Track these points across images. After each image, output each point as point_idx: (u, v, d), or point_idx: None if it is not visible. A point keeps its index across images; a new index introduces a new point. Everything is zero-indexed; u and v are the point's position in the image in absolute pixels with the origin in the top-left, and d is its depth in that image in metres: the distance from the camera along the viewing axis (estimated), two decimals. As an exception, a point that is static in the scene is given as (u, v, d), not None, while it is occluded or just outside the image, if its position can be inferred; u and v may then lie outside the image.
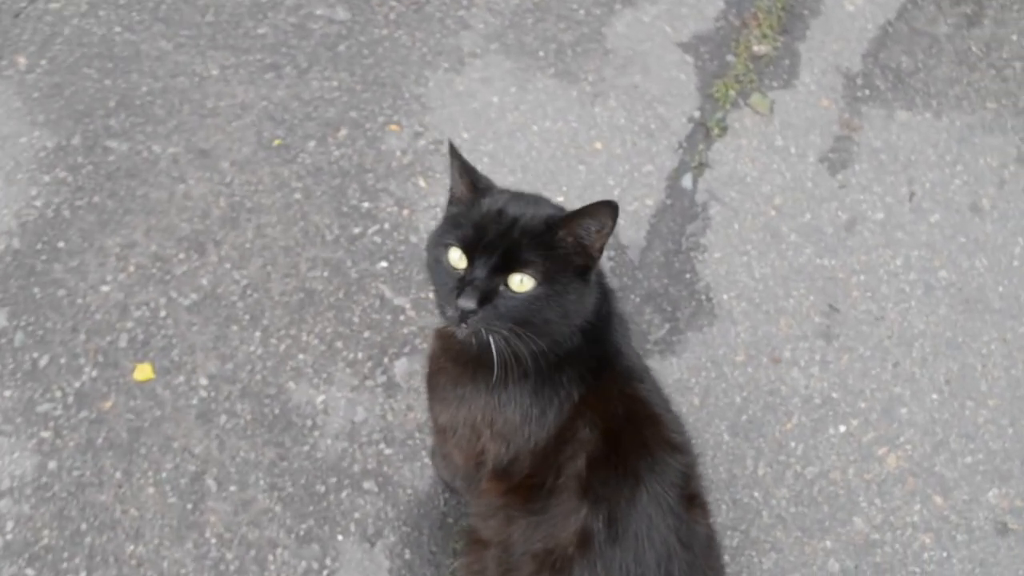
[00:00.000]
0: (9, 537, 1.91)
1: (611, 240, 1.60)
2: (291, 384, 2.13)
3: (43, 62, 2.59)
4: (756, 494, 2.09)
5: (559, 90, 2.66)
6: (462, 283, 1.43)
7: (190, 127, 2.50)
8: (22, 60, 2.59)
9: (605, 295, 1.60)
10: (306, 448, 2.06)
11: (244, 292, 2.25)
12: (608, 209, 1.42)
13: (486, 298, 1.42)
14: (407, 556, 1.96)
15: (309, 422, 2.10)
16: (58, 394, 2.07)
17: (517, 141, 2.56)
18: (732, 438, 2.16)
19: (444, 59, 2.70)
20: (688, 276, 2.38)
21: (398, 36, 2.74)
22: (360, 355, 2.19)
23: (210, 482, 2.00)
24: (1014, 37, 2.88)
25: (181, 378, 2.12)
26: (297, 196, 2.41)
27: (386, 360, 2.18)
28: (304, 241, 2.34)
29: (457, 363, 1.61)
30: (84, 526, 1.94)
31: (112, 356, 2.13)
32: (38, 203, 2.33)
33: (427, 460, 2.06)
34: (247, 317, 2.21)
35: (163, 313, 2.20)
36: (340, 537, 1.97)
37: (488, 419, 1.58)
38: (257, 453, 2.04)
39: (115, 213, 2.34)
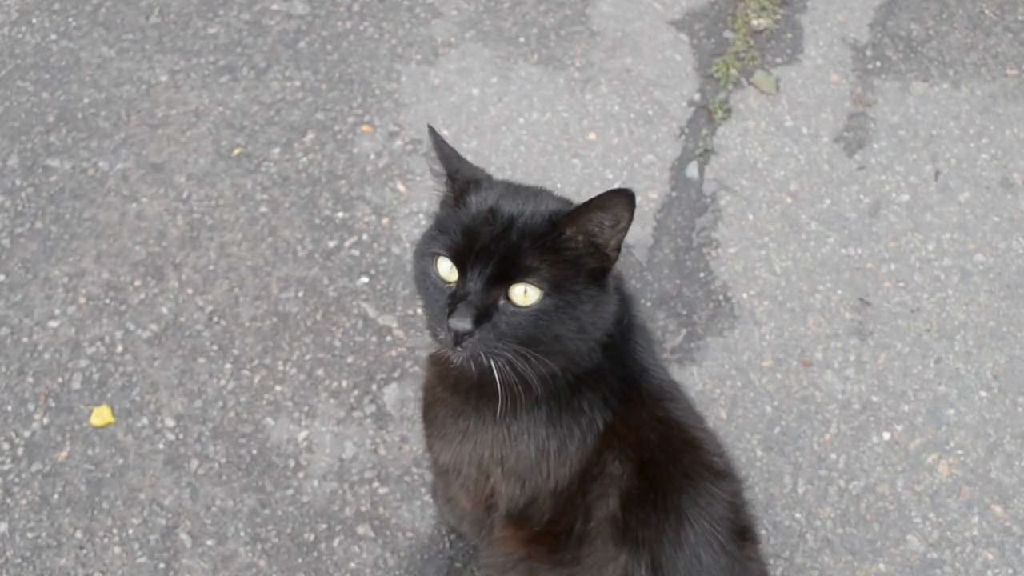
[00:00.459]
0: (-44, 617, 1.86)
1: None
2: (269, 420, 2.09)
3: (-30, 77, 2.57)
4: (798, 515, 2.02)
5: (544, 78, 2.62)
6: (454, 299, 1.32)
7: (139, 140, 2.47)
8: (-54, 76, 2.58)
9: (624, 302, 1.48)
10: (290, 492, 2.01)
11: (210, 319, 2.20)
12: (623, 199, 1.29)
13: (483, 316, 1.30)
14: (412, 610, 1.91)
15: (292, 462, 2.04)
16: (6, 446, 2.03)
17: (503, 136, 2.51)
18: (766, 453, 2.10)
19: (416, 51, 2.66)
20: (702, 275, 2.32)
21: (364, 28, 2.70)
22: (344, 383, 2.13)
23: (184, 536, 1.95)
24: (1028, -3, 2.86)
25: (144, 420, 2.07)
26: (263, 209, 2.37)
27: (374, 387, 2.13)
28: (274, 259, 2.29)
29: (457, 392, 1.50)
30: (42, 597, 1.89)
31: (65, 400, 2.09)
32: (-28, 233, 2.30)
33: (428, 498, 2.00)
34: (215, 348, 2.17)
35: (120, 348, 2.16)
36: (334, 592, 1.91)
37: (498, 456, 1.48)
38: (235, 501, 1.99)
39: (60, 239, 2.31)
